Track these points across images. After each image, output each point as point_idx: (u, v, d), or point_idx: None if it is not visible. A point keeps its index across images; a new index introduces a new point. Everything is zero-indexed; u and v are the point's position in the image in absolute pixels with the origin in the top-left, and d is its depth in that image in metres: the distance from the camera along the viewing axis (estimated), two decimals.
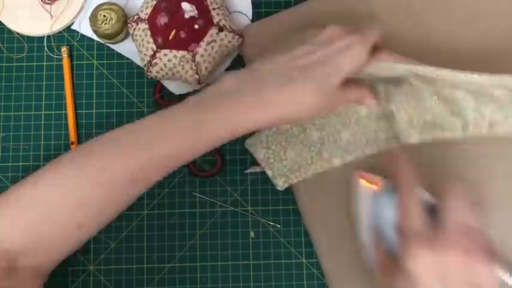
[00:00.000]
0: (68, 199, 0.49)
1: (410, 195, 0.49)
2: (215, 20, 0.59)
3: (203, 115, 0.49)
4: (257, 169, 0.61)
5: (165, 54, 0.59)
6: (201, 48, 0.58)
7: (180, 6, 0.58)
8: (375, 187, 0.53)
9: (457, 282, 0.45)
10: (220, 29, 0.59)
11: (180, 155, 0.50)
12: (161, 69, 0.59)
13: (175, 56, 0.58)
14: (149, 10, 0.60)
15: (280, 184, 0.58)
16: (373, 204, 0.52)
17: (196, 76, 0.59)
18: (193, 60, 0.58)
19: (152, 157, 0.49)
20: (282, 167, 0.58)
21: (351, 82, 0.52)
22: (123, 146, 0.49)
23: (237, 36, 0.60)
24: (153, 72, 0.60)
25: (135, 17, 0.61)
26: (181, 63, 0.58)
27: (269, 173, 0.59)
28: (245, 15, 0.64)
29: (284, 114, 0.49)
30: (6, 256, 0.48)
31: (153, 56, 0.59)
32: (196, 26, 0.58)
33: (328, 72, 0.49)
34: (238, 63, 0.63)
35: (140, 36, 0.60)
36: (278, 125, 0.58)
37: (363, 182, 0.54)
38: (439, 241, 0.45)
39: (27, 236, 0.49)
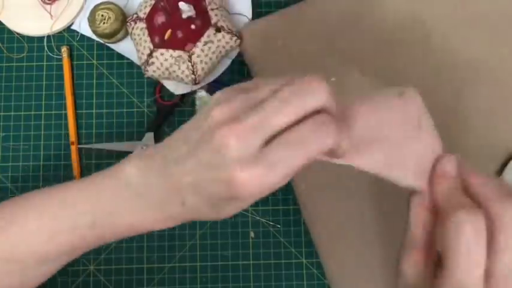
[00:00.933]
0: None
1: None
2: (213, 21, 0.59)
3: (99, 217, 0.44)
4: None
5: (162, 54, 0.59)
6: (198, 48, 0.58)
7: (178, 6, 0.58)
8: None
9: None
10: (218, 30, 0.59)
11: (78, 245, 0.46)
12: (158, 68, 0.59)
13: (171, 56, 0.58)
14: (147, 9, 0.60)
15: None
16: None
17: (193, 76, 0.59)
18: (190, 61, 0.58)
19: (54, 245, 0.45)
20: None
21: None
22: (28, 229, 0.46)
23: (235, 38, 0.60)
24: (150, 71, 0.60)
25: (134, 15, 0.61)
26: (177, 63, 0.58)
27: None
28: (245, 16, 0.64)
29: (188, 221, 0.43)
30: None
31: (150, 55, 0.59)
32: (193, 26, 0.58)
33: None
34: (238, 62, 0.63)
35: (138, 35, 0.60)
36: None
37: None
38: None
39: None
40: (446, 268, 0.34)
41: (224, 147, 0.36)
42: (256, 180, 0.35)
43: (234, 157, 0.35)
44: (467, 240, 0.34)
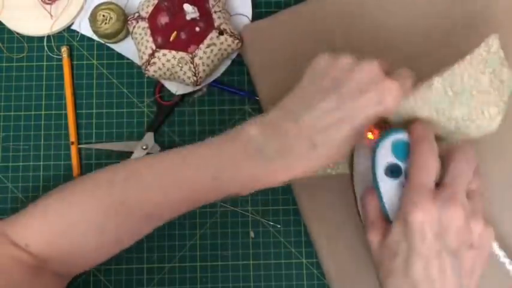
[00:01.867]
0: (88, 222, 0.50)
1: (429, 146, 0.47)
2: (216, 23, 0.59)
3: (223, 172, 0.48)
4: None
5: (164, 54, 0.59)
6: (201, 50, 0.58)
7: (182, 7, 0.58)
8: (372, 136, 0.50)
9: (454, 239, 0.45)
10: (221, 33, 0.59)
11: (196, 201, 0.50)
12: (159, 68, 0.59)
13: (174, 57, 0.58)
14: (150, 9, 0.60)
15: None
16: (370, 153, 0.50)
17: (194, 78, 0.59)
18: (192, 62, 0.58)
19: (168, 199, 0.50)
20: None
21: None
22: (145, 182, 0.50)
23: (237, 41, 0.60)
24: (151, 71, 0.60)
25: (136, 14, 0.61)
26: (180, 64, 0.58)
27: None
28: (246, 16, 0.64)
29: (305, 174, 0.48)
30: (33, 257, 0.50)
31: (152, 55, 0.59)
32: (197, 29, 0.58)
33: (352, 128, 0.46)
34: (238, 63, 0.63)
35: (140, 34, 0.60)
36: None
37: (366, 134, 0.50)
38: (444, 198, 0.45)
39: (50, 246, 0.51)
40: (410, 178, 0.46)
41: (369, 72, 0.46)
42: (396, 88, 0.46)
43: (380, 76, 0.46)
44: (425, 156, 0.46)
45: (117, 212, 0.50)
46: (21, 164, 0.62)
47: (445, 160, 0.47)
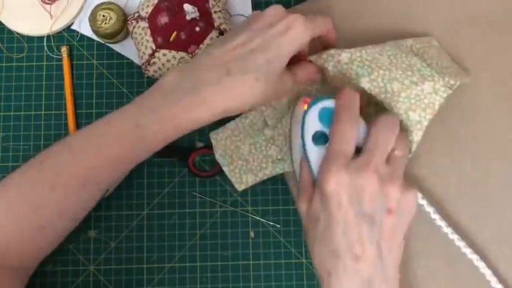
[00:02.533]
0: (26, 202, 0.51)
1: (349, 118, 0.48)
2: (216, 23, 0.59)
3: (143, 117, 0.50)
4: None
5: (164, 54, 0.59)
6: (201, 51, 0.58)
7: (182, 7, 0.58)
8: (305, 106, 0.51)
9: (368, 205, 0.45)
10: (221, 33, 0.59)
11: (125, 157, 0.51)
12: (159, 68, 0.59)
13: (174, 57, 0.58)
14: (150, 9, 0.60)
15: (237, 186, 0.58)
16: (302, 121, 0.50)
17: None
18: None
19: (101, 160, 0.51)
20: (237, 167, 0.58)
21: (297, 60, 0.53)
22: (75, 150, 0.51)
23: None
24: (151, 71, 0.60)
25: (136, 14, 0.61)
26: (180, 64, 0.58)
27: (225, 169, 0.58)
28: (246, 16, 0.64)
29: (226, 108, 0.49)
30: None
31: (152, 55, 0.59)
32: (197, 29, 0.58)
33: (267, 59, 0.49)
34: None
35: (140, 34, 0.60)
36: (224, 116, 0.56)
37: (302, 105, 0.52)
38: (358, 164, 0.45)
39: None
40: (328, 145, 0.47)
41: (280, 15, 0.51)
42: (302, 18, 0.50)
43: (285, 12, 0.51)
44: (342, 124, 0.47)
45: (54, 186, 0.50)
46: (21, 164, 0.62)
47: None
